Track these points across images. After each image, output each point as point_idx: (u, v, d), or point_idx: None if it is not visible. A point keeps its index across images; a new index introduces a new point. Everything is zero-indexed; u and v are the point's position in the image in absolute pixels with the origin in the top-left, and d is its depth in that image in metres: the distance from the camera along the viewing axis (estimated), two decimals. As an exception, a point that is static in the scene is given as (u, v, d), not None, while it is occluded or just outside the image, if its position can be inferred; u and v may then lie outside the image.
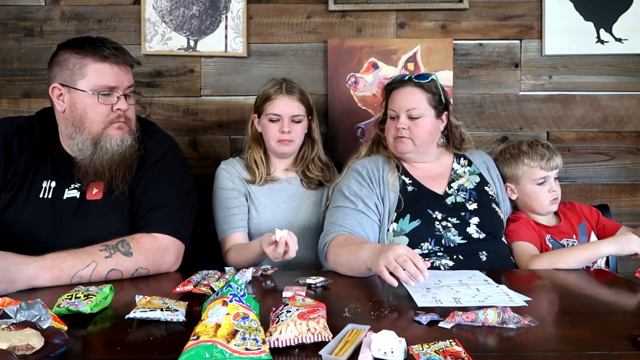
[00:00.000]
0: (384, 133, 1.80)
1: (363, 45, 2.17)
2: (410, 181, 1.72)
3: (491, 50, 2.21)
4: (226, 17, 2.16)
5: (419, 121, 1.70)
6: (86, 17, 2.19)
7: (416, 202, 1.67)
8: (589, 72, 2.21)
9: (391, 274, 1.26)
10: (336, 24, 2.19)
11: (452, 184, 1.74)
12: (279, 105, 1.82)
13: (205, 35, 2.17)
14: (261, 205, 1.86)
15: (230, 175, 1.87)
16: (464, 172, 1.78)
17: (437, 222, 1.64)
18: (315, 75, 2.20)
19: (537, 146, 1.80)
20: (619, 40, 2.17)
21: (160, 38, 2.16)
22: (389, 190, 1.69)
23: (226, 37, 2.17)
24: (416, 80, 1.71)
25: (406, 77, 1.73)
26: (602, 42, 2.17)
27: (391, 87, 1.77)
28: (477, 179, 1.76)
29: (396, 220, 1.65)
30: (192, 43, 2.17)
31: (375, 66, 2.18)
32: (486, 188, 1.75)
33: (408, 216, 1.64)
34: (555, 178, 1.80)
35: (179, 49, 2.17)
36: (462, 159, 1.81)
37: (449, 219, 1.65)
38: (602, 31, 2.17)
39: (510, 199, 1.83)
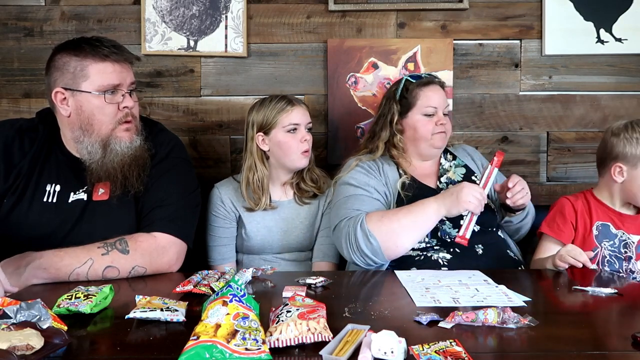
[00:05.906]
0: (395, 132, 1.78)
1: (363, 45, 2.17)
2: (407, 176, 1.74)
3: (491, 50, 2.21)
4: (226, 17, 2.16)
5: (449, 117, 1.80)
6: (86, 17, 2.18)
7: (414, 195, 1.68)
8: (589, 72, 2.20)
9: None
10: (336, 24, 2.19)
11: (441, 179, 1.78)
12: (296, 114, 1.79)
13: (205, 35, 2.17)
14: (252, 231, 1.85)
15: (223, 204, 1.85)
16: (450, 166, 1.82)
17: None
18: (315, 75, 2.20)
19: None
20: (619, 40, 2.17)
21: (160, 38, 2.16)
22: (389, 184, 1.72)
23: (226, 37, 2.17)
24: (437, 80, 1.81)
25: (424, 76, 1.79)
26: (602, 42, 2.17)
27: (419, 84, 1.76)
28: (463, 170, 1.80)
29: None
30: (192, 43, 2.17)
31: (375, 66, 2.18)
32: (473, 178, 1.77)
33: None
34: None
35: (179, 49, 2.17)
36: (448, 154, 1.85)
37: None
38: (602, 31, 2.17)
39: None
